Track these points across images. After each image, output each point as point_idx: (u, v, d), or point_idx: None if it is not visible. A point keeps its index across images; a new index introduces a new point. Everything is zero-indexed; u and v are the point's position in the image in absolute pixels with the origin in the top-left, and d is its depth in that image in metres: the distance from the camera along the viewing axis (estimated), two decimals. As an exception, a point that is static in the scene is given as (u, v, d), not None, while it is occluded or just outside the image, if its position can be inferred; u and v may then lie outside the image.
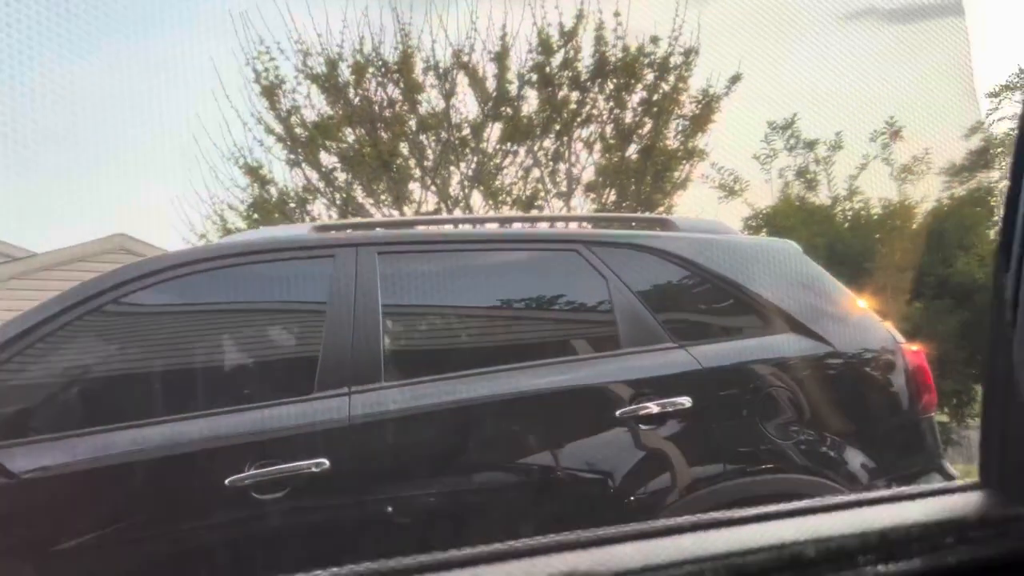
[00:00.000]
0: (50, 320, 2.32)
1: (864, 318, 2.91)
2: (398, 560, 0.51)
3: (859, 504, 0.60)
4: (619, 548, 0.52)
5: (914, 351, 2.81)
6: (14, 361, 2.30)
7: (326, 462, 2.22)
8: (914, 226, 9.11)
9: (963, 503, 0.61)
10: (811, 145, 10.16)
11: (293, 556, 2.20)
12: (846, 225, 9.52)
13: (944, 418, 8.42)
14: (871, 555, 0.50)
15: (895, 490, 0.62)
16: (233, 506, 2.21)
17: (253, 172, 9.17)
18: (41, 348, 2.34)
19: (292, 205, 9.22)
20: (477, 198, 9.44)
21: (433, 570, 0.50)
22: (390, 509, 2.28)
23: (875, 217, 9.51)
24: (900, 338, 2.85)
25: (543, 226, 5.34)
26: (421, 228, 3.48)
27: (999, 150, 10.15)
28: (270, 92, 8.95)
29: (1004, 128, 10.50)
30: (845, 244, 8.65)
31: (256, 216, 9.15)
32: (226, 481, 2.18)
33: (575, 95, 9.30)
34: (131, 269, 2.52)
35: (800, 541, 0.52)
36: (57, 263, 9.20)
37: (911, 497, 0.62)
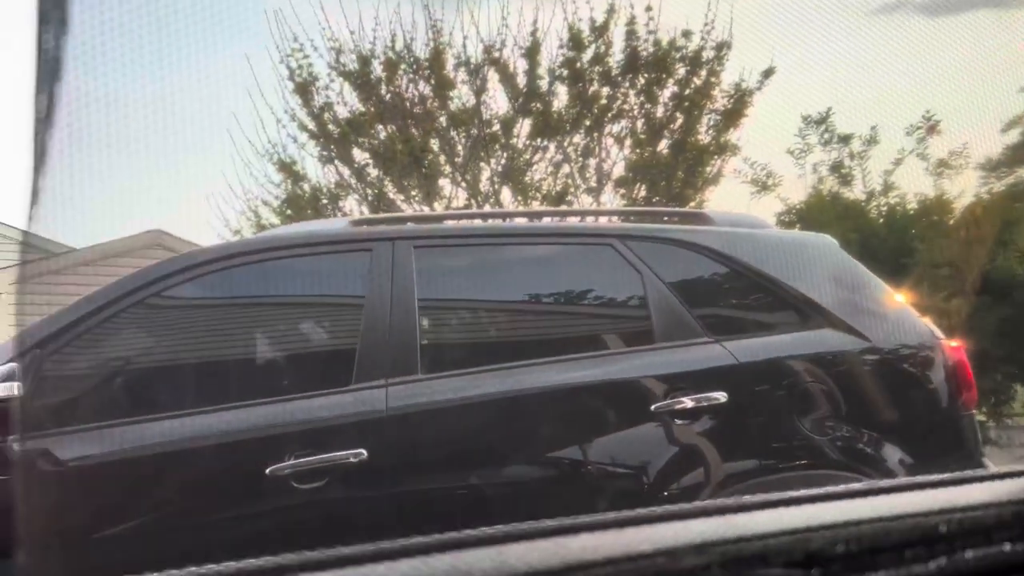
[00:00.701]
0: (95, 313, 2.37)
1: (902, 313, 2.88)
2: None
3: (921, 487, 0.60)
4: (704, 521, 0.53)
5: (954, 347, 2.77)
6: (60, 353, 2.36)
7: (364, 453, 2.24)
8: (951, 221, 8.96)
9: None
10: (846, 139, 10.02)
11: (331, 546, 2.23)
12: (881, 220, 9.38)
13: (981, 417, 8.26)
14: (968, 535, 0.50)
15: (958, 473, 0.61)
16: (273, 495, 2.25)
17: (287, 168, 9.27)
18: (86, 340, 2.39)
19: (325, 201, 9.31)
20: (507, 194, 9.46)
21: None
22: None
23: (911, 212, 9.36)
24: (939, 333, 2.81)
25: (574, 220, 5.34)
26: (456, 222, 3.50)
27: (1039, 144, 9.92)
28: (303, 89, 9.03)
29: (1045, 122, 10.25)
30: (880, 239, 8.53)
31: (289, 212, 9.24)
32: (267, 471, 2.21)
33: (606, 90, 9.26)
34: (173, 263, 2.57)
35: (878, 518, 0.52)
36: (95, 258, 9.38)
37: (973, 480, 0.62)
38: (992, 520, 0.54)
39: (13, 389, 2.09)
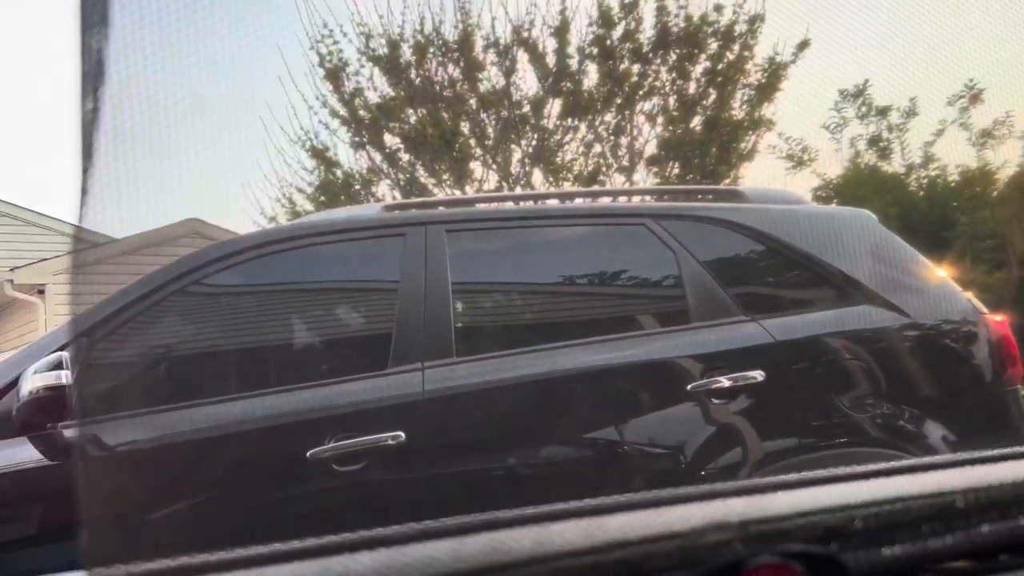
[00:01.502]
0: (139, 301, 2.42)
1: (943, 287, 2.83)
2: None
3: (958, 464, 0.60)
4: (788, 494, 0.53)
5: (998, 321, 2.72)
6: (106, 341, 2.42)
7: (402, 435, 2.27)
8: (995, 193, 8.74)
9: None
10: (884, 112, 9.80)
11: (371, 527, 2.26)
12: (921, 194, 9.19)
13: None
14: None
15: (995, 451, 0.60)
16: (314, 478, 2.28)
17: (319, 155, 9.34)
18: (131, 328, 2.44)
19: (357, 187, 9.37)
20: (538, 175, 9.43)
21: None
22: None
23: (953, 184, 9.15)
24: (982, 308, 2.75)
25: (606, 200, 5.31)
26: (488, 205, 3.50)
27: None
28: (334, 75, 9.08)
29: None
30: (920, 213, 8.36)
31: (323, 198, 9.33)
32: (307, 454, 2.25)
33: (636, 67, 9.17)
34: (214, 250, 2.61)
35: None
36: (135, 248, 9.54)
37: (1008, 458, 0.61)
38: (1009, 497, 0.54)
39: (62, 377, 2.15)
